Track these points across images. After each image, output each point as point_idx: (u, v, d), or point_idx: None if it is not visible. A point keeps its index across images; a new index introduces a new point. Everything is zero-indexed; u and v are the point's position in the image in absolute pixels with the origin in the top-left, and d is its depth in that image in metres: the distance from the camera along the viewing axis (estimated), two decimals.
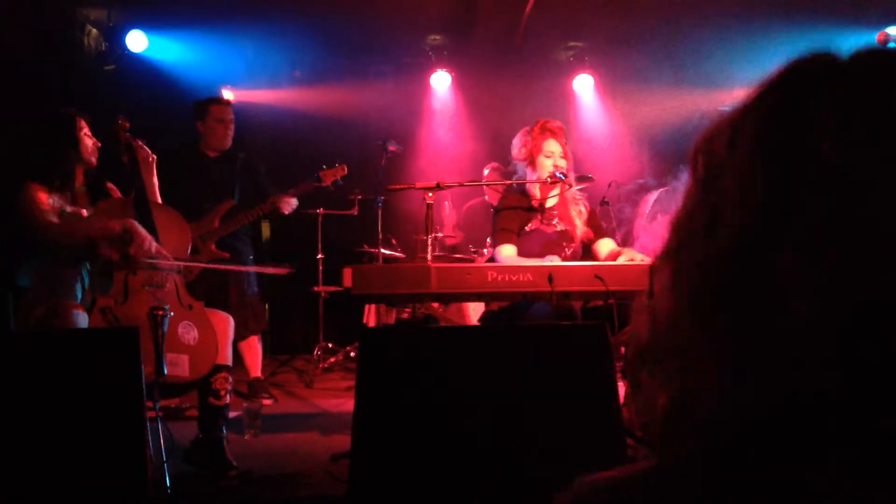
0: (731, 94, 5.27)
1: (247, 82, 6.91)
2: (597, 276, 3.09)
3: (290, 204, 4.78)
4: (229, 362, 3.30)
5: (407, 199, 6.40)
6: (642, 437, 3.10)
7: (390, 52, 6.89)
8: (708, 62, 6.31)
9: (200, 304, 3.31)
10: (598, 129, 7.18)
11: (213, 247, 4.66)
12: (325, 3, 6.07)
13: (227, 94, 6.96)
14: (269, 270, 4.80)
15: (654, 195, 5.28)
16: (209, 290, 4.28)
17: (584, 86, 7.18)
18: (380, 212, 5.98)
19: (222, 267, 4.39)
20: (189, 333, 3.16)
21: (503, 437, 2.30)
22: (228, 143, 4.99)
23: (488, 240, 5.67)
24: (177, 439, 3.15)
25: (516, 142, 3.96)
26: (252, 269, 4.82)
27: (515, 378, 2.39)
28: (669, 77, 6.58)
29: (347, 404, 3.90)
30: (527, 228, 3.89)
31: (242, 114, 5.58)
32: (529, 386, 2.38)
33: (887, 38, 3.60)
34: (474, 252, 5.84)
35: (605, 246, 3.93)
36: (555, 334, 2.56)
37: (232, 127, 4.97)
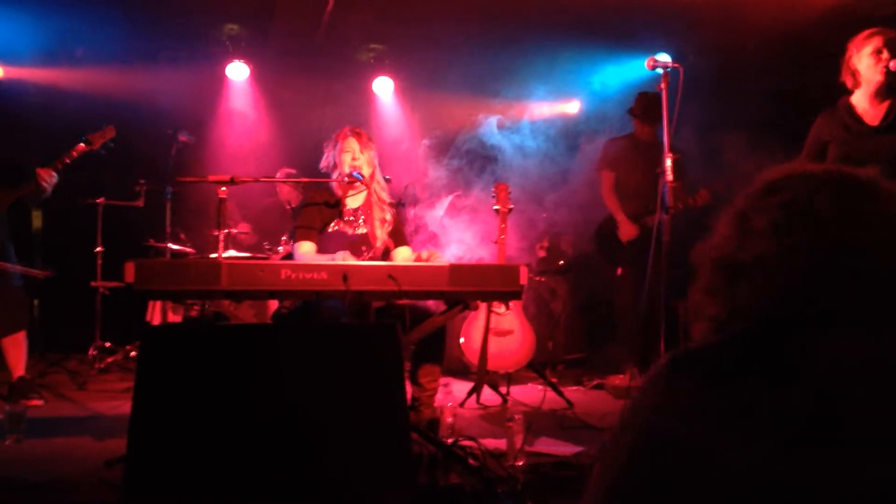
0: (516, 105, 5.58)
1: (18, 57, 6.31)
2: (390, 276, 3.14)
3: (49, 178, 4.38)
4: None
5: (199, 193, 6.15)
6: (427, 434, 3.20)
7: (184, 38, 6.57)
8: (502, 75, 6.63)
9: None
10: (396, 131, 7.30)
11: None
12: None
13: None
14: (30, 272, 4.40)
15: (447, 199, 5.46)
16: None
17: (384, 88, 7.27)
18: (168, 204, 5.71)
19: None
20: None
21: (287, 436, 2.28)
22: None
23: (283, 237, 5.59)
24: None
25: (324, 151, 3.99)
26: (8, 266, 4.39)
27: (303, 376, 2.38)
28: (466, 86, 6.83)
29: (125, 406, 3.67)
30: (329, 229, 3.90)
31: (9, 93, 5.10)
32: (317, 384, 2.38)
33: (656, 64, 3.96)
34: (269, 249, 5.74)
35: (400, 254, 4.01)
36: (345, 333, 2.58)
37: None
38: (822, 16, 5.42)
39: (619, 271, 5.51)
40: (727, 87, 6.09)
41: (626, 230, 5.41)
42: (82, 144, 4.49)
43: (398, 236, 4.06)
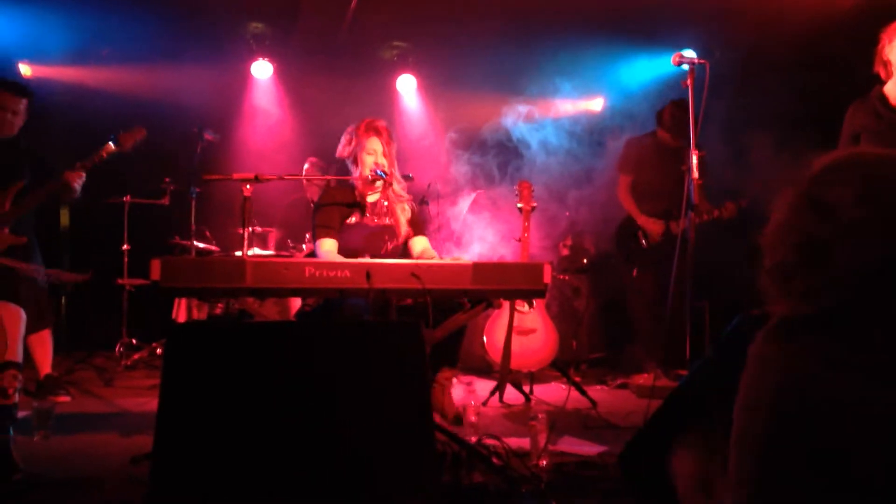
0: (540, 102, 5.56)
1: (47, 58, 6.39)
2: (413, 275, 3.14)
3: (79, 178, 4.42)
4: (19, 359, 3.07)
5: (224, 191, 6.19)
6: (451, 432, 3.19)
7: (209, 37, 6.61)
8: (525, 72, 6.60)
9: None
10: (419, 129, 7.30)
11: (8, 231, 4.29)
12: None
13: (25, 69, 6.42)
14: (63, 277, 4.46)
15: (470, 196, 5.45)
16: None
17: (406, 86, 7.27)
18: (194, 202, 5.75)
19: (10, 263, 4.04)
20: None
21: (312, 435, 2.29)
22: (12, 132, 4.57)
23: (307, 235, 5.61)
24: None
25: (343, 138, 3.99)
26: (44, 269, 4.44)
27: (326, 374, 2.38)
28: (489, 83, 6.81)
29: (151, 403, 3.72)
30: (349, 222, 3.91)
31: (40, 91, 5.15)
32: (340, 382, 2.38)
33: (682, 60, 3.92)
34: (293, 247, 5.76)
35: (418, 243, 4.02)
36: (368, 331, 2.57)
37: (19, 120, 4.57)
38: (851, 9, 5.33)
39: (634, 273, 5.47)
40: (754, 83, 6.02)
41: (653, 228, 5.36)
42: (111, 144, 4.49)
43: (417, 227, 4.06)
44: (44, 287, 4.55)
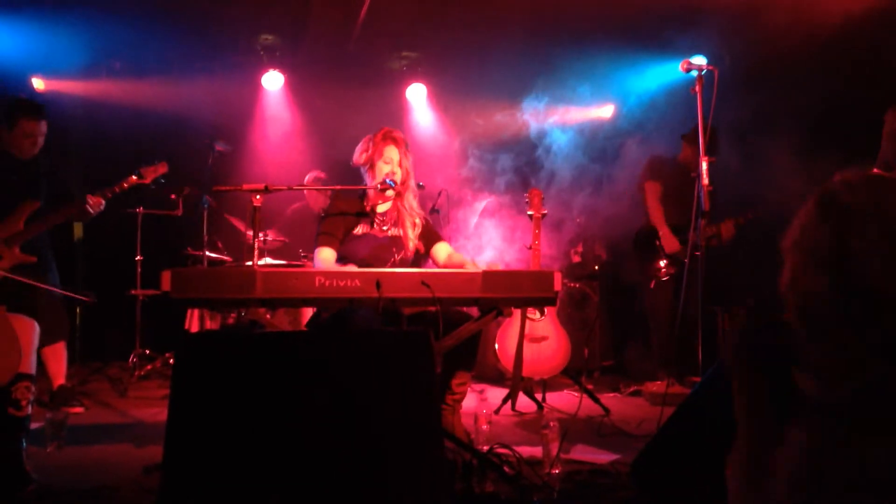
0: (550, 110, 5.56)
1: (60, 72, 6.45)
2: (423, 283, 3.13)
3: (98, 205, 4.51)
4: (32, 370, 3.09)
5: (235, 202, 6.22)
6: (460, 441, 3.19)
7: (220, 49, 6.67)
8: (535, 80, 6.60)
9: (2, 309, 3.06)
10: (429, 137, 7.31)
11: (18, 250, 4.33)
12: None
13: (38, 83, 6.48)
14: (72, 295, 4.52)
15: (481, 204, 5.45)
16: (14, 294, 3.99)
17: (416, 95, 7.29)
18: (206, 213, 5.78)
19: (22, 279, 4.07)
20: None
21: (322, 445, 2.28)
22: (35, 153, 4.65)
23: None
24: None
25: (360, 146, 3.99)
26: (52, 288, 4.47)
27: (336, 384, 2.38)
28: (498, 91, 6.82)
29: (164, 414, 3.70)
30: (356, 232, 3.90)
31: (53, 106, 5.21)
32: (351, 392, 2.38)
33: (690, 67, 3.91)
34: (304, 256, 5.77)
35: (442, 250, 4.00)
36: (378, 340, 2.57)
37: (41, 140, 4.65)
38: (861, 16, 5.30)
39: (652, 284, 5.46)
40: (764, 89, 5.99)
41: (670, 243, 5.35)
42: (134, 177, 4.67)
43: (431, 237, 4.04)
44: (59, 299, 4.59)
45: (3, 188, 4.46)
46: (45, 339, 4.40)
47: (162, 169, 4.76)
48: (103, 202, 4.54)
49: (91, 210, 4.48)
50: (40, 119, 4.62)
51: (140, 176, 4.67)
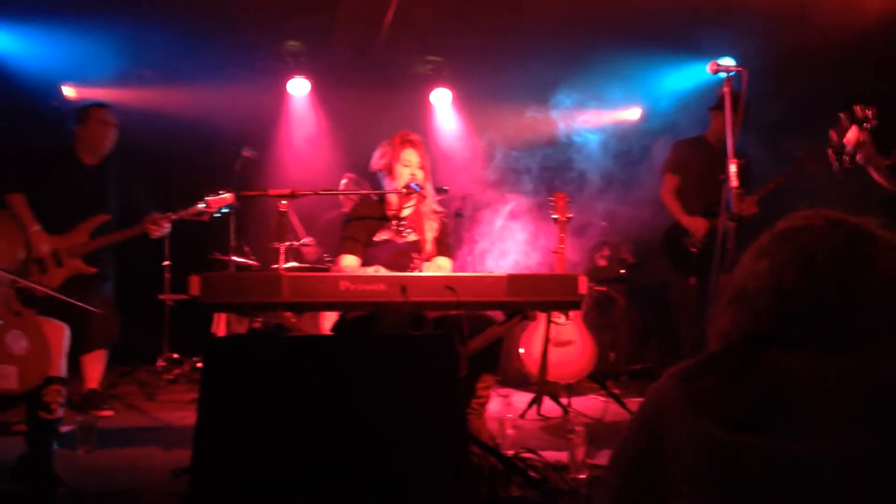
0: (576, 112, 5.54)
1: (90, 80, 6.54)
2: (448, 287, 3.13)
3: (163, 228, 4.60)
4: (63, 374, 3.12)
5: (263, 207, 6.26)
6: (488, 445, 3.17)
7: (246, 55, 6.72)
8: (561, 83, 6.59)
9: (32, 312, 3.11)
10: (454, 142, 7.31)
11: (80, 262, 4.42)
12: (177, 1, 5.86)
13: (68, 91, 6.58)
14: (82, 306, 4.58)
15: (505, 208, 5.44)
16: (62, 303, 4.07)
17: (441, 99, 7.30)
18: (232, 219, 5.82)
19: (46, 292, 4.12)
20: (18, 343, 2.96)
21: (350, 449, 2.29)
22: (109, 145, 4.75)
23: None
24: (2, 456, 2.92)
25: (377, 152, 3.99)
26: (63, 297, 4.54)
27: (362, 388, 2.39)
28: (524, 94, 6.80)
29: (192, 417, 3.74)
30: (377, 238, 3.90)
31: None
32: (377, 396, 2.38)
33: (719, 68, 3.87)
34: (329, 261, 5.79)
35: (437, 263, 3.96)
36: (404, 344, 2.57)
37: (113, 133, 4.75)
38: (892, 16, 5.23)
39: (681, 282, 5.41)
40: (793, 90, 5.92)
41: (695, 225, 5.27)
42: (201, 205, 4.70)
43: (441, 246, 4.03)
44: (112, 309, 4.66)
45: (73, 195, 4.56)
46: (87, 346, 4.47)
47: (227, 200, 4.77)
48: (168, 225, 4.63)
49: (154, 234, 4.57)
50: (108, 107, 4.80)
51: (206, 205, 4.72)
